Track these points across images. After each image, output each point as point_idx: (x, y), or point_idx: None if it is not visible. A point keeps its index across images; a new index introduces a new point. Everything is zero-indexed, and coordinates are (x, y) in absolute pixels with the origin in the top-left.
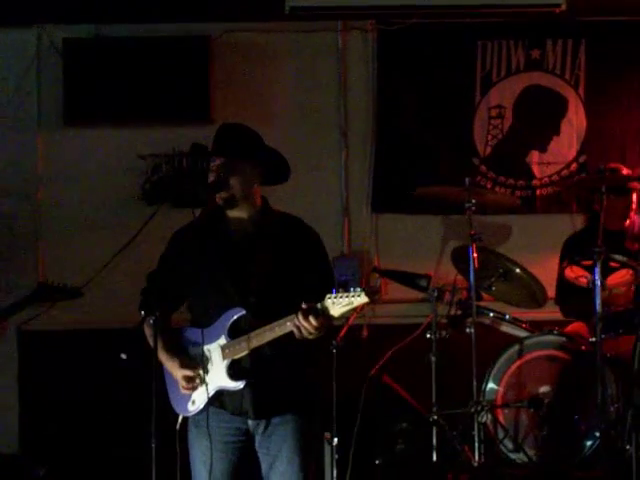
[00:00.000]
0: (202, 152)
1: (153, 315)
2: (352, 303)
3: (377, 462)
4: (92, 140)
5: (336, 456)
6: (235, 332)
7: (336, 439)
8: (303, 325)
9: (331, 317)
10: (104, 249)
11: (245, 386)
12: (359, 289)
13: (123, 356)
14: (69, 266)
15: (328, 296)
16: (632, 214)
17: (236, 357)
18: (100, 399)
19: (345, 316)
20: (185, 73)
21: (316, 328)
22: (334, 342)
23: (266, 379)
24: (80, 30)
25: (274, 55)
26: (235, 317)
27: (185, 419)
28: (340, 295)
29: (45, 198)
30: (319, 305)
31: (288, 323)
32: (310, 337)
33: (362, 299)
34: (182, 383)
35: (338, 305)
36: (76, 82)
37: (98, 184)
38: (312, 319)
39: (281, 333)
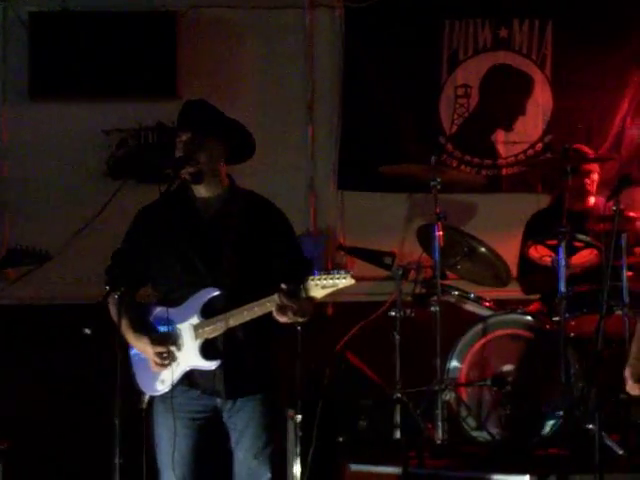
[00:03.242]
0: (168, 129)
1: (118, 291)
2: (337, 285)
3: (340, 439)
4: (58, 114)
5: (300, 433)
6: (208, 312)
7: (300, 416)
8: (285, 306)
9: (313, 298)
10: (69, 224)
11: (217, 366)
12: (343, 271)
13: (87, 331)
14: (34, 241)
15: (311, 278)
16: (591, 195)
17: (210, 337)
18: (64, 374)
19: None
20: (152, 48)
21: (297, 310)
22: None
23: (238, 360)
24: (47, 4)
25: (241, 31)
26: (209, 297)
27: (151, 397)
28: (324, 277)
29: (10, 172)
30: (301, 286)
31: (268, 304)
32: (302, 320)
33: (348, 281)
34: (155, 360)
35: (322, 287)
36: (42, 56)
37: (64, 159)
38: (293, 300)
39: (260, 313)
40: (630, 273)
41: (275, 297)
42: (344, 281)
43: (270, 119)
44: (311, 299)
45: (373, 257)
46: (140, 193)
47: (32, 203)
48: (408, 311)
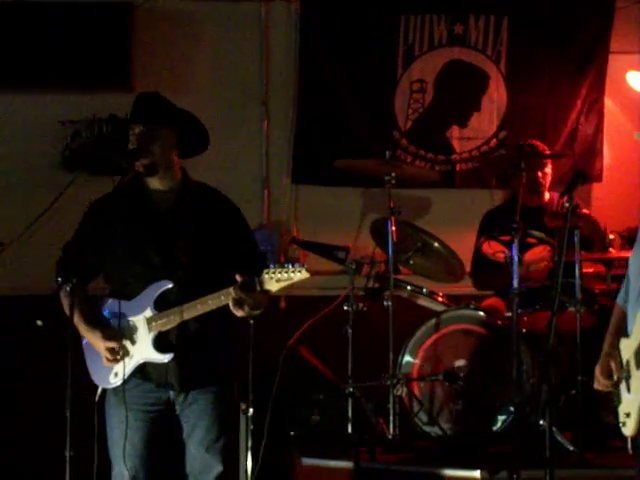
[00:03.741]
0: (121, 122)
1: (70, 283)
2: (292, 279)
3: (292, 433)
4: (12, 105)
5: (251, 426)
6: (161, 305)
7: (252, 410)
8: (240, 299)
9: (267, 291)
10: (23, 216)
11: (171, 359)
12: (298, 265)
13: (39, 323)
14: None
15: (266, 271)
16: (545, 191)
17: (164, 329)
18: (16, 366)
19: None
20: (106, 40)
21: (251, 303)
22: None
23: (191, 352)
24: None
25: (196, 23)
26: (162, 289)
27: (104, 390)
28: (279, 270)
29: None
30: (256, 279)
31: (222, 297)
32: (254, 313)
33: (303, 275)
34: (106, 355)
35: (276, 280)
36: None
37: (17, 150)
38: (248, 293)
39: (214, 307)
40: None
41: (230, 290)
42: (299, 275)
43: (225, 112)
44: (266, 292)
45: (326, 251)
46: (94, 185)
47: None
48: (361, 305)
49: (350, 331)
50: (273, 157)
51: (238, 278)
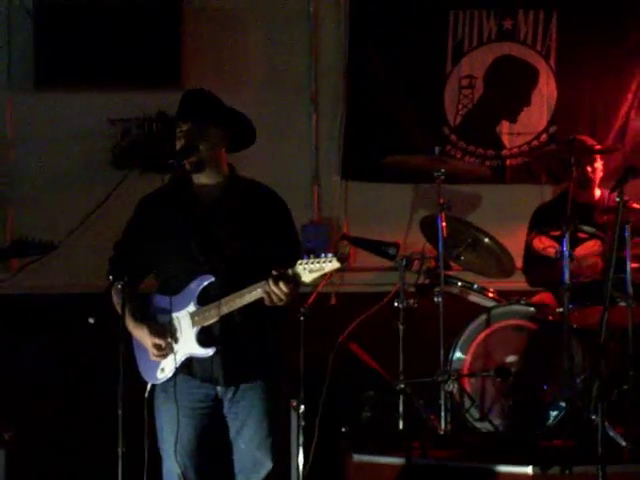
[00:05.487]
0: (170, 119)
1: (121, 281)
2: (323, 269)
3: (343, 430)
4: (63, 103)
5: (302, 423)
6: (204, 299)
7: (303, 406)
8: (274, 291)
9: (302, 283)
10: (73, 214)
11: (215, 353)
12: (330, 255)
13: (91, 320)
14: (38, 230)
15: (299, 262)
16: (596, 186)
17: (206, 324)
18: (67, 364)
19: (316, 282)
20: (157, 38)
21: (286, 294)
22: (302, 309)
23: (235, 346)
24: None
25: (245, 19)
26: (204, 284)
27: (153, 387)
28: (311, 261)
29: (15, 162)
30: (290, 271)
31: (258, 290)
32: (280, 303)
33: (333, 265)
34: (152, 351)
35: (309, 271)
36: (47, 45)
37: (68, 148)
38: (283, 285)
39: (251, 300)
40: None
41: (263, 283)
42: (330, 264)
43: (274, 108)
44: (300, 283)
45: (377, 247)
46: (144, 183)
47: (37, 192)
48: (411, 302)
49: (401, 327)
50: (323, 154)
51: (274, 271)
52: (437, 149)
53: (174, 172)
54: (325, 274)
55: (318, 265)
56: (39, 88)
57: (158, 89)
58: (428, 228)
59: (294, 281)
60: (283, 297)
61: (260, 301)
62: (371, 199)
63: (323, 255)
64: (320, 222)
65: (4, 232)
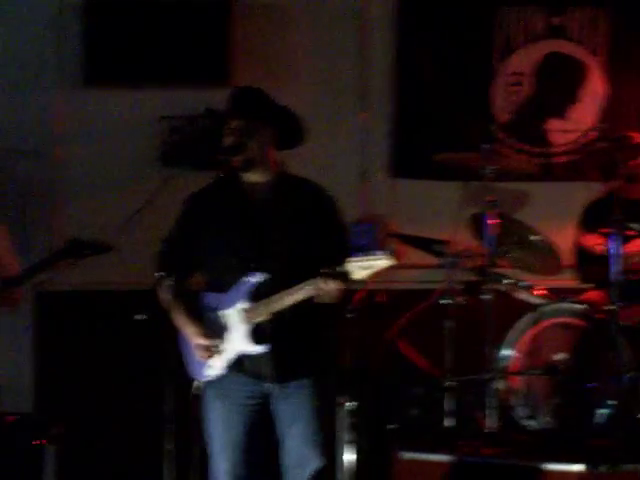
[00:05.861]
0: (218, 116)
1: (169, 278)
2: (374, 266)
3: (391, 427)
4: (111, 101)
5: (350, 420)
6: (255, 297)
7: (351, 404)
8: (325, 289)
9: (353, 280)
10: (121, 211)
11: (265, 351)
12: (381, 252)
13: (139, 317)
14: (85, 228)
15: (350, 259)
16: None
17: (256, 321)
18: (116, 360)
19: (366, 279)
20: (205, 35)
21: (337, 292)
22: (350, 306)
23: (285, 343)
24: None
25: (294, 17)
26: (255, 282)
27: (203, 383)
28: (363, 258)
29: (62, 159)
30: (341, 269)
31: (309, 287)
32: (331, 301)
33: (385, 262)
34: (200, 350)
35: (361, 268)
36: (96, 42)
37: (116, 145)
38: (334, 283)
39: (301, 297)
40: None
41: (313, 281)
42: (380, 262)
43: (322, 106)
44: (350, 281)
45: (425, 245)
46: (192, 180)
47: (85, 190)
48: (459, 299)
49: (449, 325)
50: (371, 151)
51: (324, 269)
52: (486, 147)
53: (222, 169)
54: (376, 272)
55: (369, 263)
56: (88, 86)
57: (207, 86)
58: (476, 225)
59: (345, 279)
60: (333, 294)
61: (310, 298)
62: (419, 197)
63: (374, 253)
64: (368, 220)
65: (52, 230)
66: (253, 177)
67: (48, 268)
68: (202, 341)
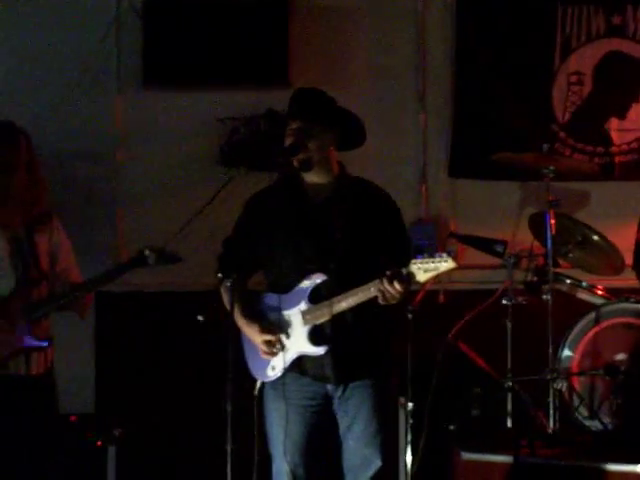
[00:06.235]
0: (279, 117)
1: (230, 278)
2: (438, 268)
3: (451, 427)
4: (170, 102)
5: (411, 421)
6: (316, 298)
7: (411, 404)
8: (388, 290)
9: (416, 282)
10: (181, 212)
11: (326, 351)
12: (445, 254)
13: (200, 318)
14: (146, 228)
15: (413, 261)
16: None
17: (317, 322)
18: (176, 361)
19: (426, 281)
20: (264, 36)
21: (400, 293)
22: (410, 307)
23: (346, 344)
24: None
25: (353, 18)
26: (316, 282)
27: (263, 383)
28: (426, 260)
29: (123, 161)
30: (404, 270)
31: (372, 288)
32: (393, 302)
33: (449, 264)
34: (263, 348)
35: (424, 270)
36: (155, 44)
37: (176, 147)
38: (397, 284)
39: (364, 299)
40: None
41: (377, 282)
42: (445, 264)
43: (382, 106)
44: (413, 283)
45: (485, 245)
46: (252, 181)
47: (146, 191)
48: (520, 299)
49: (509, 325)
50: (430, 151)
51: (388, 271)
52: (546, 146)
53: (282, 170)
54: (438, 274)
55: (433, 265)
56: (147, 87)
57: (266, 87)
58: (536, 225)
59: (408, 280)
60: (397, 296)
61: (371, 300)
62: (479, 197)
63: (437, 255)
64: (428, 220)
65: (114, 232)
66: (314, 178)
67: (119, 276)
68: (266, 337)
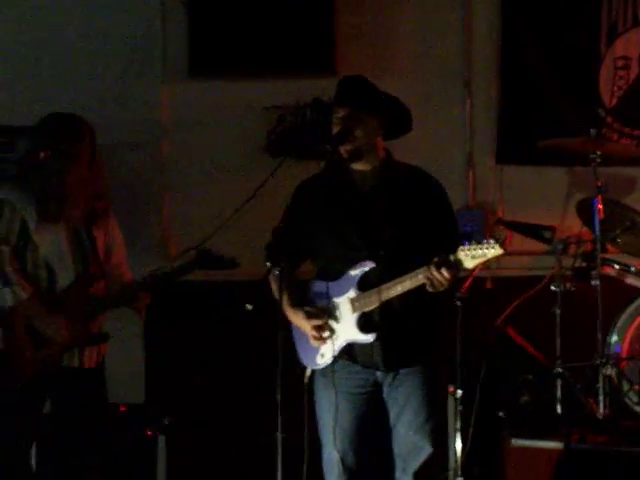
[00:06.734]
0: (325, 106)
1: (278, 267)
2: (486, 255)
3: (501, 414)
4: (217, 92)
5: (460, 408)
6: (364, 285)
7: (460, 391)
8: (436, 277)
9: (463, 269)
10: (228, 201)
11: (375, 339)
12: (492, 241)
13: (249, 307)
14: (194, 218)
15: (461, 248)
16: None
17: (366, 310)
18: (225, 350)
19: (474, 268)
20: (310, 25)
21: (448, 280)
22: (458, 294)
23: (396, 331)
24: None
25: (398, 6)
26: (365, 270)
27: (313, 371)
28: (473, 247)
29: (170, 151)
30: (452, 257)
31: (420, 276)
32: (441, 289)
33: (497, 251)
34: (312, 333)
35: (472, 257)
36: (201, 34)
37: (223, 136)
38: (445, 271)
39: (412, 286)
40: None
41: (425, 269)
42: (493, 251)
43: (428, 93)
44: (461, 269)
45: (533, 231)
46: (298, 170)
47: (192, 181)
48: (568, 285)
49: (558, 311)
50: (477, 138)
51: (436, 258)
52: (593, 131)
53: (330, 158)
54: (486, 260)
55: (481, 251)
56: (193, 77)
57: (312, 76)
58: (584, 211)
59: (456, 267)
60: (445, 283)
61: (419, 287)
62: (526, 183)
63: (485, 241)
64: (475, 207)
65: (161, 221)
66: (361, 166)
67: (177, 279)
68: (314, 322)
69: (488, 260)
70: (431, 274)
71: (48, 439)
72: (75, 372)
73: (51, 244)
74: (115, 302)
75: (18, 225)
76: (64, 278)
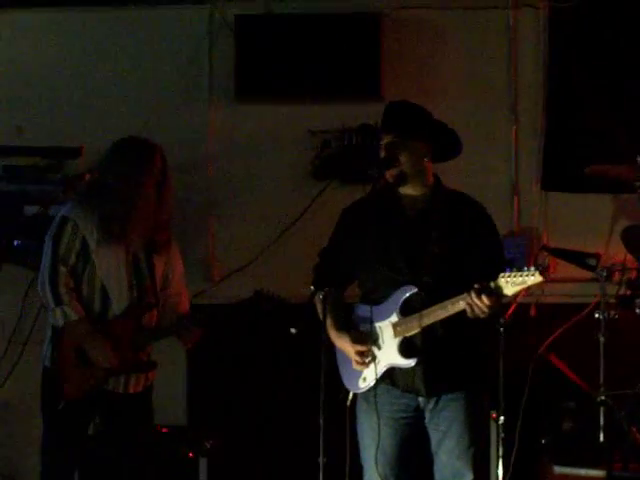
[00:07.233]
0: (372, 131)
1: (322, 291)
2: (526, 282)
3: (543, 441)
4: (263, 115)
5: (502, 435)
6: (407, 310)
7: (503, 418)
8: (476, 304)
9: (504, 296)
10: (274, 224)
11: (417, 364)
12: (533, 268)
13: (293, 331)
14: (239, 241)
15: (501, 275)
16: None
17: (408, 335)
18: (269, 373)
19: (515, 295)
20: (356, 49)
21: (489, 307)
22: (502, 320)
23: (437, 357)
24: (252, 7)
25: (444, 32)
26: (408, 295)
27: (355, 395)
28: (514, 274)
29: (216, 173)
30: (492, 284)
31: (460, 302)
32: (482, 316)
33: (536, 279)
34: (355, 358)
35: (512, 284)
36: (248, 58)
37: (268, 160)
38: (485, 298)
39: (453, 312)
40: None
41: (465, 295)
42: (532, 278)
43: (473, 119)
44: (502, 296)
45: (577, 258)
46: (344, 194)
47: (238, 203)
48: (612, 313)
49: (602, 339)
50: (523, 164)
51: (476, 284)
52: (639, 159)
53: (375, 183)
54: (527, 287)
55: (521, 279)
56: (240, 100)
57: (358, 101)
58: (630, 239)
59: (496, 294)
60: (485, 310)
61: (462, 313)
62: (571, 210)
63: (526, 269)
64: (520, 233)
65: (207, 244)
66: (409, 190)
67: (233, 318)
68: (358, 347)
69: (528, 287)
70: (471, 300)
71: (91, 460)
72: (120, 397)
73: (109, 266)
74: (166, 334)
75: (79, 244)
76: (118, 303)
